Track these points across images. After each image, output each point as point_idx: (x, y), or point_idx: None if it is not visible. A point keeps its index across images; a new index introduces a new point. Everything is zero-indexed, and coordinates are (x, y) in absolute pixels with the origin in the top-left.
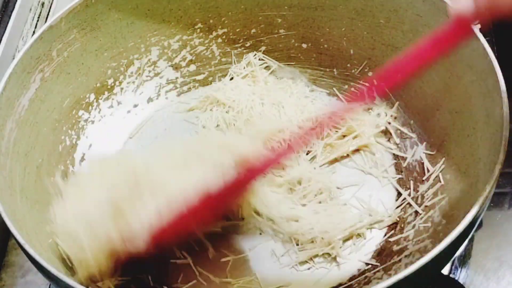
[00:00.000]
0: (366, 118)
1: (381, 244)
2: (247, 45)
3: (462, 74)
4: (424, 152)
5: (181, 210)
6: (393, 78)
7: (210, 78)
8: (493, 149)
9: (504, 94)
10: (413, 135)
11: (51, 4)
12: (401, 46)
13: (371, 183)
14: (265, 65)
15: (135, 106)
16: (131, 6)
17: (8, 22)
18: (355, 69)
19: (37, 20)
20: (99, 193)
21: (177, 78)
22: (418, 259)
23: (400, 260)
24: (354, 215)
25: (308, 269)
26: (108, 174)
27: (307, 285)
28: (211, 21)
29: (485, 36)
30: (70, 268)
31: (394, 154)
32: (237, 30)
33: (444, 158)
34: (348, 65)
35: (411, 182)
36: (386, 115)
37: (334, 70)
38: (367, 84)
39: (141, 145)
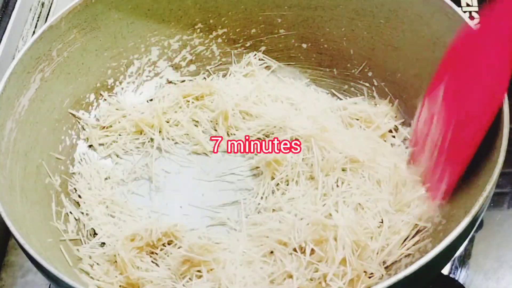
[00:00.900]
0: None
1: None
2: (247, 45)
3: None
4: None
5: None
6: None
7: (210, 78)
8: (493, 149)
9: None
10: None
11: (51, 4)
12: (401, 46)
13: None
14: (265, 65)
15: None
16: (131, 6)
17: (8, 22)
18: (355, 69)
19: (37, 20)
20: None
21: (177, 78)
22: (418, 259)
23: (400, 260)
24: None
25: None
26: None
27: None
28: (211, 21)
29: None
30: (70, 268)
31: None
32: (237, 30)
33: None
34: (348, 65)
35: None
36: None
37: (334, 70)
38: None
39: None
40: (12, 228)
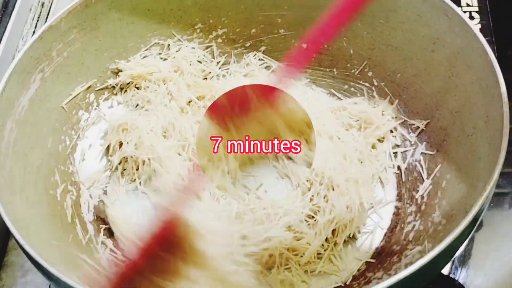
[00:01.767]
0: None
1: (381, 244)
2: (247, 45)
3: (462, 74)
4: (424, 152)
5: None
6: (319, 41)
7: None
8: (493, 149)
9: (504, 94)
10: (413, 135)
11: (51, 4)
12: (401, 46)
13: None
14: (265, 65)
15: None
16: (131, 6)
17: (8, 22)
18: (355, 69)
19: (37, 20)
20: None
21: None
22: (418, 259)
23: (400, 260)
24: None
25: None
26: None
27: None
28: (211, 21)
29: (485, 36)
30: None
31: (394, 153)
32: (237, 30)
33: (444, 158)
34: (348, 65)
35: (411, 182)
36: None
37: (334, 70)
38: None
39: None
40: (12, 228)
